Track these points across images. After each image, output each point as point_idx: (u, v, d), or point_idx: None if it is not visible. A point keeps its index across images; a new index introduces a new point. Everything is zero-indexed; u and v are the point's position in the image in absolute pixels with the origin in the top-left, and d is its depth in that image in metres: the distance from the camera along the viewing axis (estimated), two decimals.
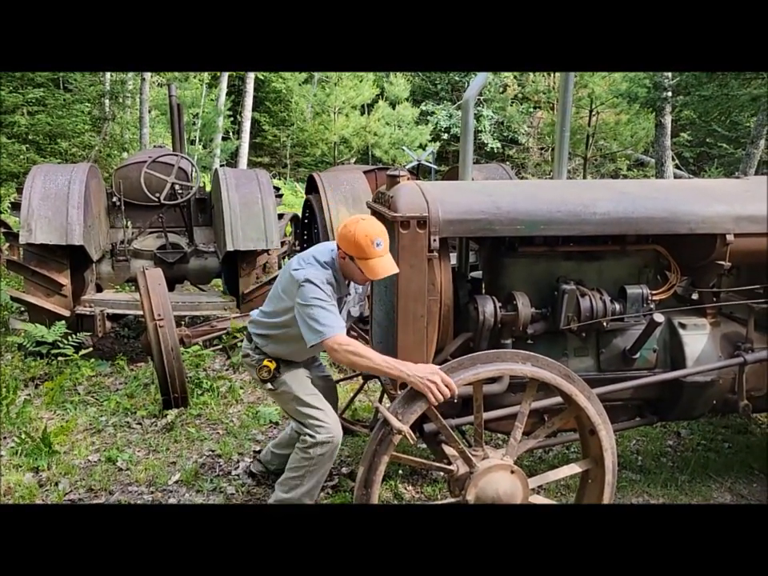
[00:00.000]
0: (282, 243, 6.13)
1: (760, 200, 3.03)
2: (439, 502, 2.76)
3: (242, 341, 5.37)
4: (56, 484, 3.55)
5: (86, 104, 12.74)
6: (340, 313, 2.85)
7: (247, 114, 16.63)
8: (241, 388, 4.90)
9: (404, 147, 15.37)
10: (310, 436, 2.93)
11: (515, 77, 17.96)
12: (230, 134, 18.96)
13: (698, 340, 3.09)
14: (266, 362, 3.00)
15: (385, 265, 2.65)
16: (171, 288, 6.06)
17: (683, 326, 3.10)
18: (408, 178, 2.91)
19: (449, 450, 2.61)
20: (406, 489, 3.54)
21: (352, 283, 2.99)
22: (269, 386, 3.02)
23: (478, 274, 3.20)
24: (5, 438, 4.04)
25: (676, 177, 12.83)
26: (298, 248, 7.71)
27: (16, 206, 5.62)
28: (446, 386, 2.37)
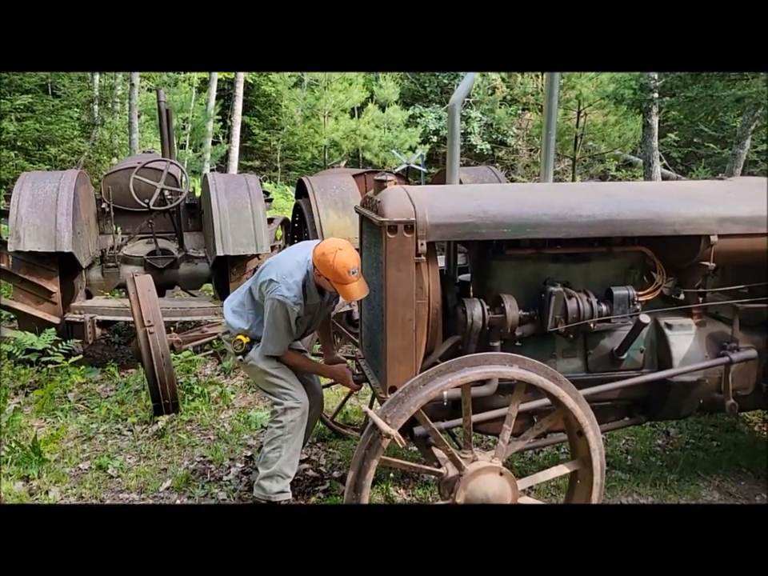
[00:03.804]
0: (273, 248, 6.14)
1: (743, 201, 3.06)
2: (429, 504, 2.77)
3: None
4: (46, 493, 3.54)
5: (75, 109, 12.68)
6: (313, 316, 3.27)
7: (237, 117, 16.60)
8: (232, 393, 4.90)
9: (393, 150, 15.38)
10: (278, 404, 3.21)
11: (503, 79, 18.04)
12: (220, 138, 18.91)
13: (685, 340, 3.12)
14: (239, 336, 3.26)
15: (358, 289, 2.96)
16: (161, 294, 6.06)
17: (669, 326, 3.13)
18: (395, 183, 2.93)
19: (438, 453, 2.63)
20: (397, 492, 3.55)
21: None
22: (240, 358, 3.27)
23: (466, 277, 3.22)
24: None
25: (664, 177, 12.91)
26: None
27: (4, 214, 5.60)
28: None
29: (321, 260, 2.98)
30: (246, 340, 3.25)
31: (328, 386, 4.57)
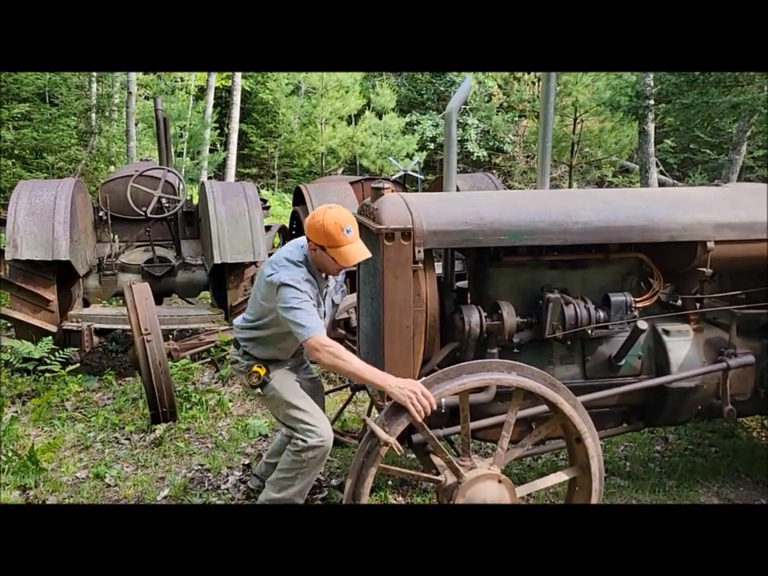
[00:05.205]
0: (270, 255, 6.14)
1: (739, 207, 3.07)
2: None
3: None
4: (43, 502, 3.53)
5: (72, 118, 12.71)
6: (323, 304, 2.96)
7: (234, 125, 16.63)
8: (230, 401, 4.89)
9: (390, 158, 15.41)
10: (302, 440, 2.95)
11: (500, 86, 18.10)
12: (218, 145, 18.93)
13: (682, 346, 3.12)
14: (255, 368, 3.00)
15: (357, 250, 2.73)
16: (159, 301, 6.05)
17: (667, 332, 3.13)
18: (392, 190, 2.93)
19: (436, 461, 2.62)
20: (395, 499, 3.54)
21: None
22: (259, 391, 3.03)
23: (463, 284, 3.23)
24: None
25: (660, 183, 12.95)
26: None
27: (1, 222, 5.61)
28: (427, 399, 2.38)
29: (311, 225, 2.75)
30: (262, 371, 2.99)
31: (327, 392, 4.56)
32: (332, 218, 2.70)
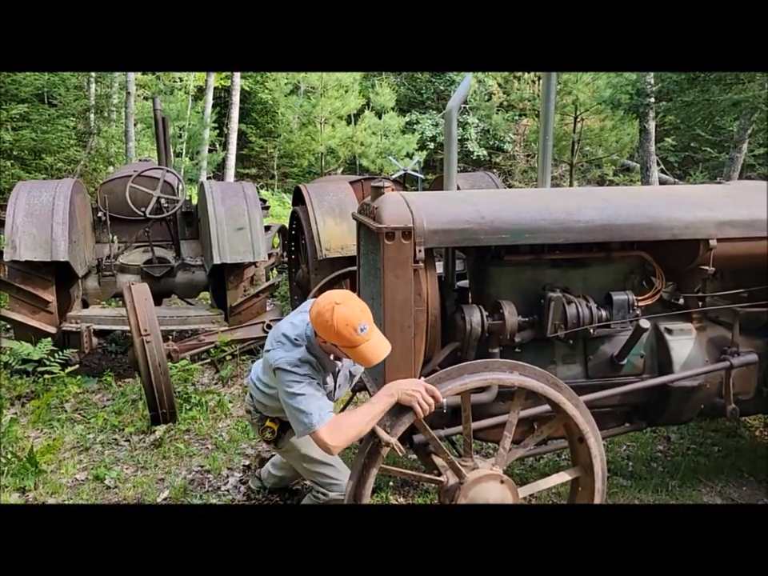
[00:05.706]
0: (270, 255, 6.13)
1: (741, 205, 3.06)
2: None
3: (230, 354, 5.37)
4: (43, 504, 3.51)
5: (71, 118, 12.70)
6: (335, 380, 2.74)
7: (234, 125, 16.62)
8: (230, 402, 4.87)
9: (390, 157, 15.39)
10: (323, 494, 2.92)
11: (500, 84, 18.09)
12: (217, 146, 18.91)
13: (685, 345, 3.11)
14: (268, 423, 2.92)
15: (375, 349, 2.42)
16: (158, 302, 6.04)
17: (669, 331, 3.11)
18: (392, 189, 2.92)
19: (438, 461, 2.61)
20: (396, 500, 3.53)
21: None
22: (273, 445, 2.98)
23: (464, 283, 3.21)
24: None
25: (661, 181, 12.93)
26: (285, 259, 7.70)
27: (0, 224, 5.59)
28: (431, 395, 2.35)
29: (318, 322, 2.43)
30: (275, 426, 2.89)
31: None
32: (342, 319, 2.35)
